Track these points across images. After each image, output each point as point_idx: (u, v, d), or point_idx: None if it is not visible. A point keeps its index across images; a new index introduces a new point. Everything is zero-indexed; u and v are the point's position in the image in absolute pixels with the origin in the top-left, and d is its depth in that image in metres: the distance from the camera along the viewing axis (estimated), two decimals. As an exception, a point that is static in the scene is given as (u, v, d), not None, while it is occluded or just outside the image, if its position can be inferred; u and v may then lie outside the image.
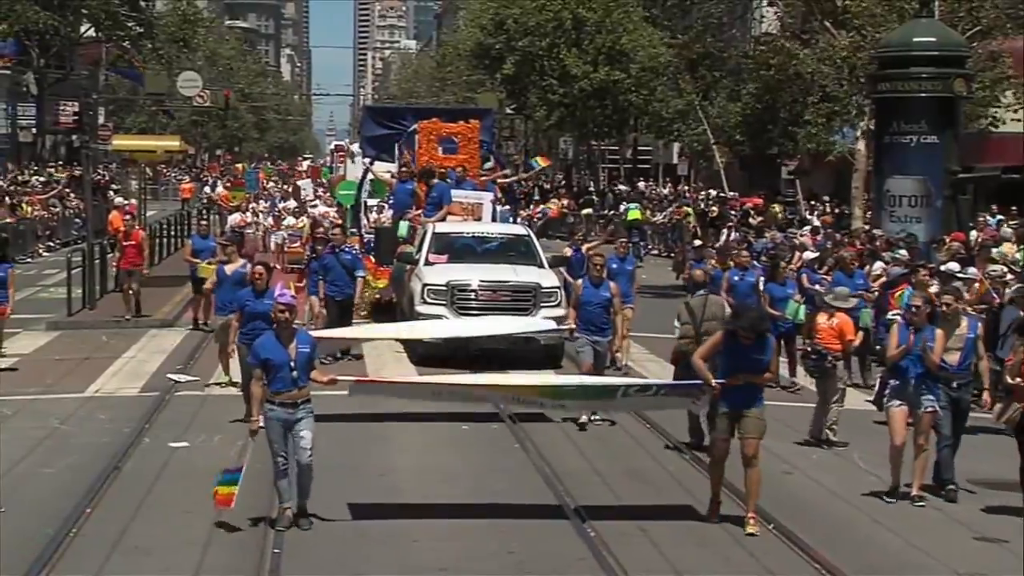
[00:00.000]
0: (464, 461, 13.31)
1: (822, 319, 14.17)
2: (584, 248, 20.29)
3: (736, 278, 18.18)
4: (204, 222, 26.53)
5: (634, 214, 39.60)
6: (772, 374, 11.03)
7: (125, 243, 22.73)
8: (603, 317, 14.82)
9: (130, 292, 22.25)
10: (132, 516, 10.75)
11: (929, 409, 11.72)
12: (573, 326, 14.96)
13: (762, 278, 18.27)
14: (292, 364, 10.32)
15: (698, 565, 9.98)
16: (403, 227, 22.15)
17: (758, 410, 10.74)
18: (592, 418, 14.70)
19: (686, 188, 50.29)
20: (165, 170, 64.04)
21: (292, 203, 36.28)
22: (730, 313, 11.11)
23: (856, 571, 9.79)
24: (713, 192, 44.10)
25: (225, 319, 15.15)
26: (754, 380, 10.70)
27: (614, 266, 18.63)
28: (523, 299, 18.72)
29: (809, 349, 14.34)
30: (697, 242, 24.82)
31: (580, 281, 15.24)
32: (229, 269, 16.33)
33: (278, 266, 30.38)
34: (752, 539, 10.49)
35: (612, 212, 45.34)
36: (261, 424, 10.41)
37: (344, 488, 11.71)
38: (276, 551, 9.86)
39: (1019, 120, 31.84)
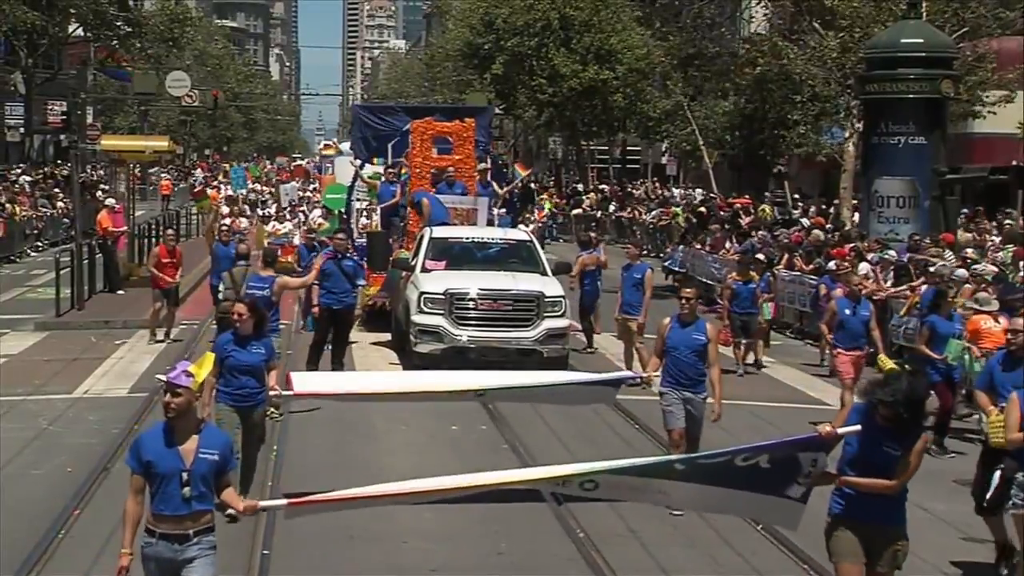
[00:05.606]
0: (454, 461, 13.31)
1: (988, 323, 14.05)
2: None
3: (848, 311, 14.96)
4: (224, 229, 23.13)
5: (547, 205, 45.91)
6: (898, 481, 7.41)
7: (166, 259, 20.78)
8: (697, 366, 11.67)
9: (161, 314, 20.67)
10: (121, 517, 10.72)
11: None
12: (650, 375, 12.07)
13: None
14: (186, 475, 6.88)
15: (685, 565, 10.02)
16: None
17: (897, 528, 7.57)
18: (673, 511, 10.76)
19: (658, 188, 50.68)
20: (151, 169, 63.89)
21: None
22: (871, 382, 7.66)
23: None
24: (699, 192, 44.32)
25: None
26: (865, 486, 7.44)
27: (624, 274, 18.17)
28: (525, 309, 17.92)
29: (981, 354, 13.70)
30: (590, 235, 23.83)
31: (667, 320, 11.91)
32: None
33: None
34: (740, 539, 10.51)
35: (600, 212, 45.57)
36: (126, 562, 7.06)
37: (334, 488, 11.71)
38: (265, 552, 9.87)
39: (993, 112, 32.04)
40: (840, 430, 7.47)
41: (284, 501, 7.80)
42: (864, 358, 14.98)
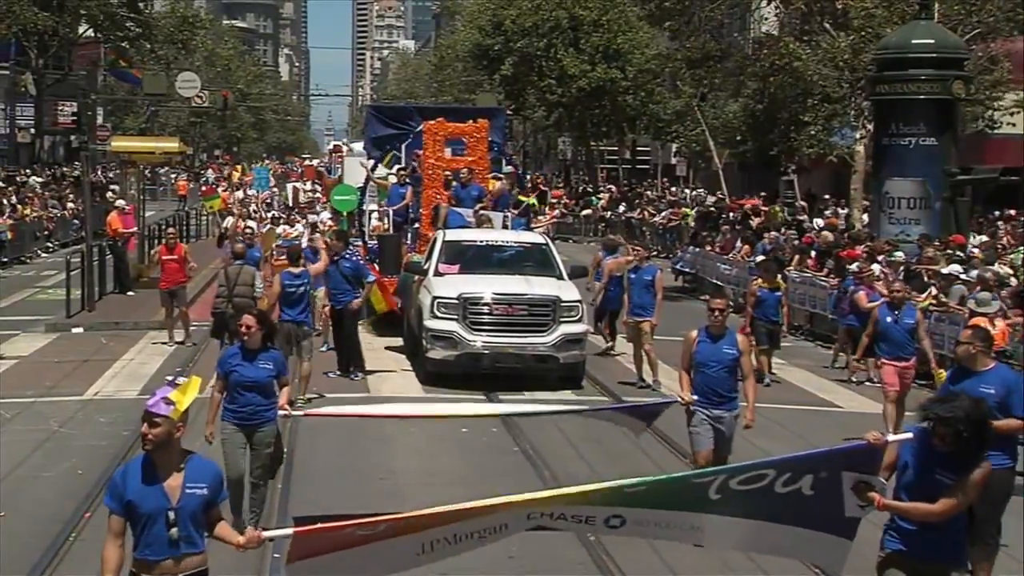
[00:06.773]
0: (465, 464, 13.31)
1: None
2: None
3: (889, 319, 14.19)
4: (249, 231, 23.39)
5: (530, 201, 45.41)
6: (943, 507, 6.64)
7: (166, 257, 20.52)
8: (728, 382, 11.03)
9: (171, 316, 20.42)
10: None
11: None
12: (689, 399, 11.06)
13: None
14: (172, 515, 6.12)
15: (696, 568, 9.98)
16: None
17: (956, 563, 6.93)
18: None
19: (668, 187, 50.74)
20: (162, 171, 64.11)
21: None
22: (930, 397, 7.07)
23: (853, 571, 9.72)
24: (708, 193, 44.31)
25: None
26: (903, 511, 6.76)
27: (632, 276, 18.08)
28: (541, 314, 17.55)
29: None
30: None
31: (695, 333, 11.15)
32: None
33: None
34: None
35: (609, 213, 45.51)
36: None
37: (345, 491, 11.71)
38: (276, 556, 9.84)
39: (1014, 123, 31.98)
40: (890, 437, 6.92)
41: (290, 530, 7.02)
42: (911, 369, 14.32)
